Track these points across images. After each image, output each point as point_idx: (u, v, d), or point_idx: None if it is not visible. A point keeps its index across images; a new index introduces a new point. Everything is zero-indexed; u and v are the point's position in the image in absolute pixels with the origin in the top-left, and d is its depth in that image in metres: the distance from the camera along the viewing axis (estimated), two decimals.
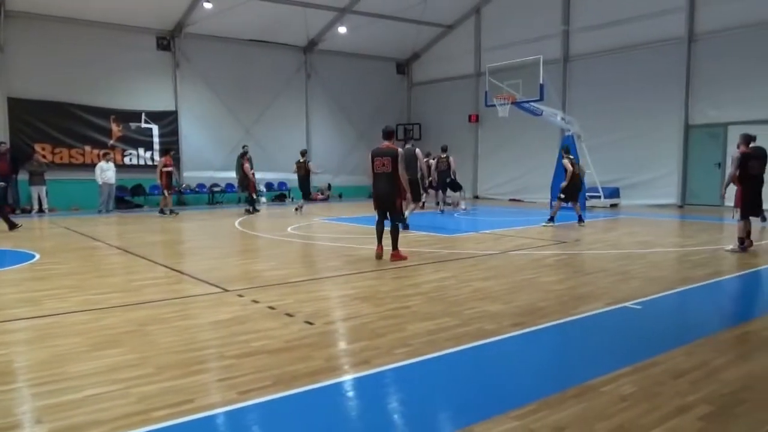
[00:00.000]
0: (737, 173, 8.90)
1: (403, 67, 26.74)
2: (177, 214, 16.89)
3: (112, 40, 19.49)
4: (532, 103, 17.02)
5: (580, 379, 3.79)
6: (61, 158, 18.93)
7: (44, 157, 18.59)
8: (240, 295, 6.36)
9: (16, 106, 18.22)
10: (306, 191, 18.03)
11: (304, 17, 21.15)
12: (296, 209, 17.57)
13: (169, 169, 17.25)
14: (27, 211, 17.95)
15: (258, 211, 18.04)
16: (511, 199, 21.66)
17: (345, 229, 13.24)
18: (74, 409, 3.39)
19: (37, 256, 9.32)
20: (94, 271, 8.28)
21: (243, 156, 18.61)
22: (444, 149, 17.22)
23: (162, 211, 16.99)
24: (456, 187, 17.18)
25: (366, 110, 25.24)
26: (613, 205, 18.24)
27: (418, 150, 13.22)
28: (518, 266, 8.10)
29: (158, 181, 17.56)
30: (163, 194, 17.24)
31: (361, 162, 23.28)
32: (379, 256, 8.64)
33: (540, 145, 20.52)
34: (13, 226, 12.73)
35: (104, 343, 4.66)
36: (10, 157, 17.51)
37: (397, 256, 8.52)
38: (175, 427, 3.18)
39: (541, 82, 16.73)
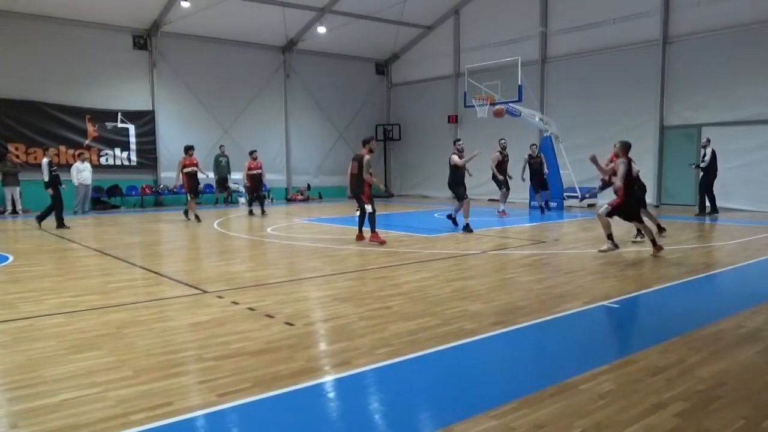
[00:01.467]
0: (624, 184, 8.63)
1: (382, 68, 26.76)
2: (199, 221, 14.86)
3: (88, 38, 19.22)
4: (510, 104, 17.15)
5: (559, 378, 3.83)
6: (36, 158, 18.55)
7: (18, 157, 18.25)
8: (219, 297, 6.31)
9: None
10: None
11: (283, 17, 21.07)
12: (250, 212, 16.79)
13: (190, 169, 15.17)
14: (0, 212, 17.62)
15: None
16: (490, 199, 21.79)
17: (325, 229, 13.20)
18: (50, 414, 3.34)
19: (11, 258, 9.15)
20: (70, 273, 8.15)
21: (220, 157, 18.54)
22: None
23: (186, 213, 15.62)
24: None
25: (346, 110, 25.24)
26: (590, 205, 18.45)
27: (453, 156, 12.00)
28: (498, 266, 8.16)
29: (177, 183, 16.08)
30: (187, 197, 15.68)
31: (340, 162, 23.34)
32: (358, 238, 10.58)
33: (519, 146, 20.70)
34: None
35: (81, 346, 4.59)
36: None
37: (374, 237, 10.20)
38: (154, 431, 3.15)
39: (519, 83, 16.88)
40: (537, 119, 17.94)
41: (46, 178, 13.45)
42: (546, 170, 16.12)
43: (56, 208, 13.64)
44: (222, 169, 18.68)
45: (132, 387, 3.73)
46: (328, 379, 3.92)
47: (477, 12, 22.80)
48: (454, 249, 9.74)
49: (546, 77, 20.81)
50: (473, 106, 18.07)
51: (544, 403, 3.45)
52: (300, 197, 23.47)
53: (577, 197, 18.19)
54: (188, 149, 15.25)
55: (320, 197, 24.30)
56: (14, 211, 17.65)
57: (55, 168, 13.71)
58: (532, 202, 17.05)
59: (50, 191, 13.48)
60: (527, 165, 16.07)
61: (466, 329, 4.99)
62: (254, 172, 16.60)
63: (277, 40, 23.03)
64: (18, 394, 3.67)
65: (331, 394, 3.74)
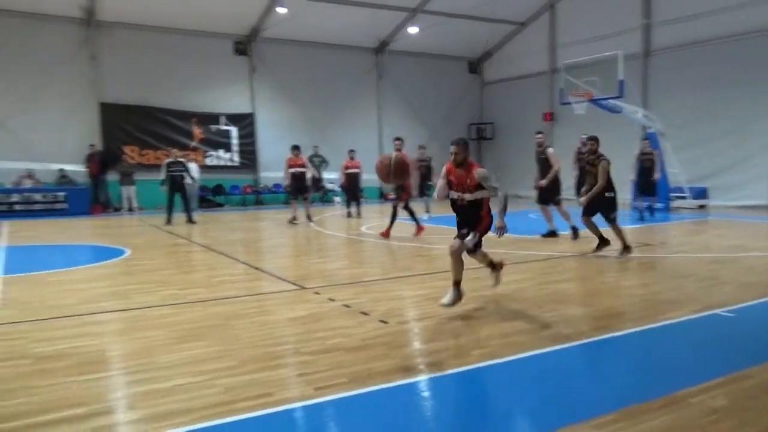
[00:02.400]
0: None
1: (475, 66, 26.48)
2: (295, 223, 14.28)
3: (193, 46, 20.40)
4: (610, 101, 16.41)
5: (666, 390, 3.62)
6: (148, 159, 19.92)
7: (132, 158, 19.67)
8: (317, 293, 6.49)
9: (107, 110, 19.37)
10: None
11: (376, 19, 21.32)
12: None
13: (296, 170, 14.42)
14: (118, 210, 19.04)
15: (359, 214, 16.18)
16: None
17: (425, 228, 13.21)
18: (163, 397, 3.56)
19: (128, 252, 9.86)
20: (179, 267, 8.67)
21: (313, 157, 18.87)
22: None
23: (308, 218, 14.66)
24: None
25: (438, 110, 25.18)
26: (701, 206, 17.33)
27: (551, 150, 10.97)
28: (598, 269, 7.84)
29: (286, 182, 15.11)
30: (289, 198, 15.05)
31: (433, 162, 23.20)
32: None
33: (619, 144, 19.77)
34: None
35: (189, 336, 4.86)
36: (99, 159, 18.75)
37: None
38: (256, 419, 3.29)
39: (620, 78, 16.11)
40: (640, 115, 17.06)
41: (162, 177, 14.53)
42: (657, 174, 14.26)
43: (168, 204, 14.62)
44: (316, 168, 19.17)
45: (236, 376, 3.91)
46: (423, 378, 3.92)
47: (574, 6, 22.02)
48: (551, 251, 9.45)
49: (649, 71, 19.76)
50: (570, 103, 17.45)
51: (650, 415, 3.27)
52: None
53: (684, 197, 17.12)
54: (294, 148, 14.68)
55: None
56: (130, 209, 19.02)
57: (174, 169, 14.64)
58: (633, 203, 16.19)
59: (163, 189, 14.53)
60: (638, 163, 14.41)
61: (564, 334, 4.83)
62: (351, 171, 16.30)
63: (369, 41, 23.36)
64: (135, 378, 3.95)
65: (426, 394, 3.74)
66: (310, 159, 19.19)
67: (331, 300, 6.13)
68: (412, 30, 21.90)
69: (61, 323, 5.38)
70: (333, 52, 22.89)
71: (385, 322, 5.22)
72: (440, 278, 7.37)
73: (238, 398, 3.53)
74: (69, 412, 3.35)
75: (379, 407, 3.50)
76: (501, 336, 4.77)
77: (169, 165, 14.64)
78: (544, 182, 10.62)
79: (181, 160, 15.19)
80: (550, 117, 23.07)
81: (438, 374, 3.96)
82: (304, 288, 6.79)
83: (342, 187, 17.46)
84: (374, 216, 16.56)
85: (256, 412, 3.35)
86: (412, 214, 11.69)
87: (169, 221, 14.36)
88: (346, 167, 16.39)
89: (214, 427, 3.18)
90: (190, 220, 14.68)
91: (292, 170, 14.42)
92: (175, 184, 14.56)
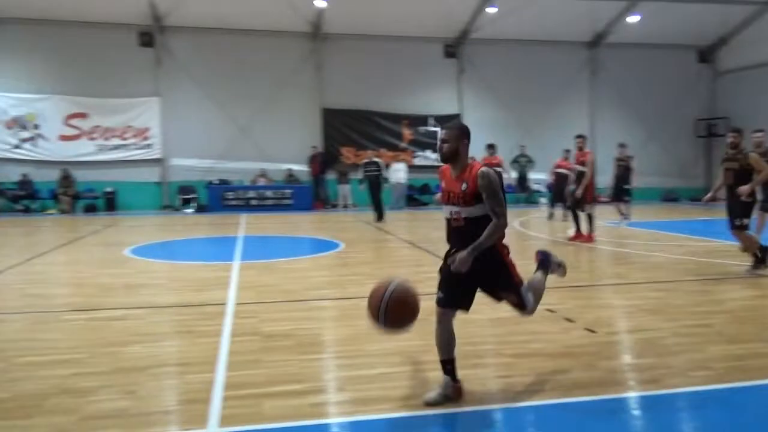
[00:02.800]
0: None
1: (706, 55, 23.73)
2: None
3: (406, 51, 21.27)
4: None
5: None
6: (362, 160, 21.26)
7: (348, 159, 21.23)
8: None
9: (328, 115, 21.16)
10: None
11: (591, 10, 20.21)
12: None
13: (561, 170, 13.95)
14: (334, 206, 20.71)
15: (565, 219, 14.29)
16: None
17: (633, 233, 12.29)
18: (368, 383, 3.78)
19: (342, 246, 10.64)
20: (387, 261, 9.14)
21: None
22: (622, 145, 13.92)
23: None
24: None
25: (658, 106, 23.06)
26: None
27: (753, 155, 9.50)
28: None
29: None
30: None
31: (652, 161, 21.33)
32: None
33: None
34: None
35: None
36: (320, 159, 20.60)
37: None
38: (453, 416, 3.33)
39: None
40: None
41: (360, 177, 15.55)
42: None
43: (373, 202, 15.48)
44: (522, 168, 18.77)
45: (437, 371, 3.99)
46: (633, 394, 3.63)
47: None
48: None
49: None
50: None
51: None
52: (603, 199, 22.24)
53: None
54: (489, 147, 14.42)
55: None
56: (345, 206, 20.55)
57: (369, 169, 15.52)
58: None
59: (362, 188, 15.50)
60: None
61: None
62: (561, 170, 14.85)
63: (583, 35, 22.23)
64: (346, 362, 4.25)
65: (636, 412, 3.46)
66: (516, 159, 18.90)
67: None
68: (632, 19, 20.35)
69: (287, 306, 5.99)
70: (543, 50, 22.21)
71: (592, 331, 4.94)
72: (657, 289, 6.77)
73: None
74: (289, 387, 3.71)
75: (583, 419, 3.32)
76: (731, 358, 4.22)
77: (365, 165, 15.58)
78: (746, 188, 7.28)
79: (376, 160, 15.93)
80: None
81: (652, 392, 3.63)
82: None
83: (549, 187, 16.84)
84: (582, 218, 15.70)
85: (454, 409, 3.39)
86: (576, 218, 11.05)
87: (379, 218, 15.14)
88: (558, 166, 15.34)
89: (413, 418, 3.29)
90: (379, 218, 15.10)
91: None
92: (371, 183, 15.39)
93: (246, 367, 4.07)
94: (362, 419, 3.30)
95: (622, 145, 13.91)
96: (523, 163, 18.78)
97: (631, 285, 6.97)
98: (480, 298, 3.74)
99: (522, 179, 18.82)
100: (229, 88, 20.25)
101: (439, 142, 3.70)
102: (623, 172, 13.63)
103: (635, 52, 22.79)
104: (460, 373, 3.62)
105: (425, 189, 21.97)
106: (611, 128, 23.01)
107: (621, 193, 13.88)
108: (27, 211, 18.76)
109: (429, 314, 5.51)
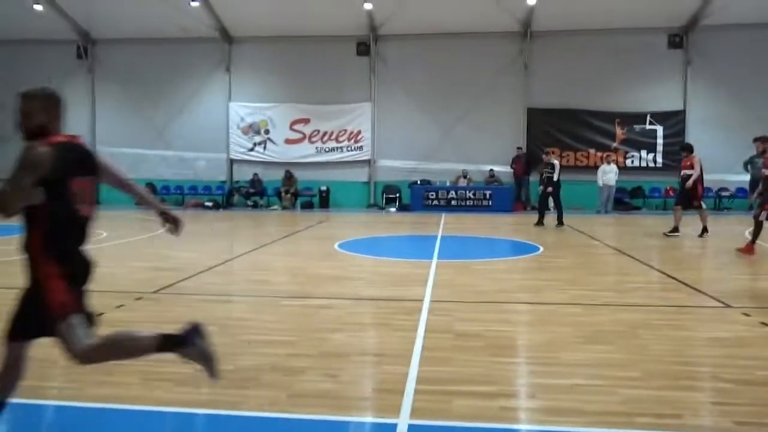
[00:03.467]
0: None
1: None
2: (705, 234, 12.01)
3: (623, 44, 19.86)
4: None
5: None
6: (567, 161, 20.42)
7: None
8: (745, 314, 5.59)
9: (532, 115, 20.64)
10: None
11: None
12: None
13: (688, 171, 12.25)
14: (535, 209, 20.11)
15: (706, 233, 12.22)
16: None
17: None
18: (562, 394, 3.61)
19: (541, 249, 10.32)
20: (590, 267, 8.64)
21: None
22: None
23: (703, 230, 12.16)
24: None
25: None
26: None
27: None
28: None
29: None
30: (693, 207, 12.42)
31: None
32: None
33: None
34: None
35: (594, 338, 4.80)
36: (525, 160, 20.17)
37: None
38: None
39: None
40: None
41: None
42: None
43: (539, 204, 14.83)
44: (756, 170, 16.36)
45: (640, 389, 3.68)
46: None
47: None
48: None
49: None
50: None
51: None
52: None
53: None
54: (683, 149, 12.88)
55: None
56: (547, 208, 19.82)
57: (544, 171, 14.72)
58: None
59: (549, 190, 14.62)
60: None
61: None
62: None
63: None
64: (538, 369, 4.12)
65: None
66: (751, 160, 16.49)
67: (765, 325, 5.19)
68: None
69: (481, 307, 5.98)
70: None
71: None
72: None
73: (639, 412, 3.32)
74: (479, 388, 3.70)
75: None
76: None
77: (544, 166, 14.88)
78: None
79: (553, 162, 14.76)
80: None
81: None
82: (729, 306, 5.93)
83: None
84: None
85: (656, 431, 3.10)
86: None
87: (541, 222, 14.37)
88: None
89: None
90: (560, 223, 14.21)
91: (686, 171, 12.35)
92: (544, 185, 14.63)
93: (438, 364, 4.15)
94: (552, 429, 3.17)
95: None
96: (759, 164, 16.28)
97: None
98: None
99: (754, 182, 16.33)
100: (435, 90, 20.83)
101: (20, 117, 2.78)
102: None
103: (739, 34, 19.17)
104: (667, 393, 3.28)
105: (638, 192, 20.36)
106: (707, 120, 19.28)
107: None
108: (255, 206, 21.21)
109: (632, 327, 5.13)
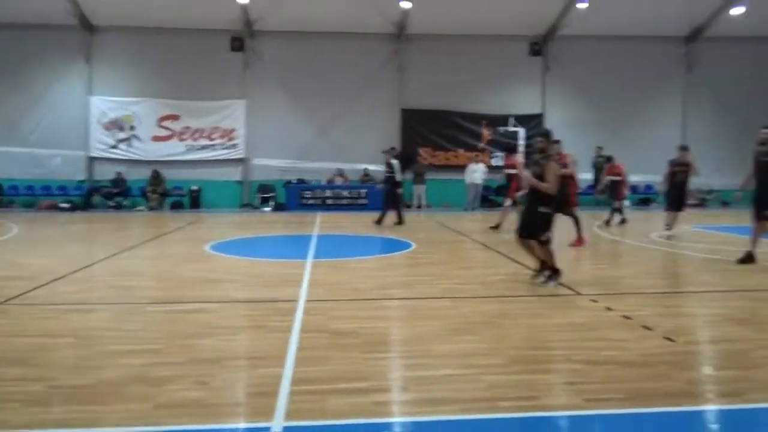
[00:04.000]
0: None
1: None
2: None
3: (489, 49, 21.02)
4: None
5: None
6: (439, 160, 21.29)
7: (425, 159, 21.21)
8: (593, 300, 6.14)
9: (407, 115, 21.24)
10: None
11: (689, 3, 19.09)
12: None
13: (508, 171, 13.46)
14: (408, 207, 20.72)
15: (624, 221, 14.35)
16: None
17: (724, 239, 11.58)
18: (432, 384, 3.75)
19: (413, 246, 10.64)
20: (458, 262, 9.05)
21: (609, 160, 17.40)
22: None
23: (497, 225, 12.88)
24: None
25: (759, 105, 21.55)
26: None
27: None
28: None
29: None
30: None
31: (747, 165, 20.02)
32: None
33: None
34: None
35: (461, 330, 5.04)
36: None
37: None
38: (517, 420, 3.26)
39: None
40: None
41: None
42: None
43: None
44: (599, 170, 18.07)
45: (503, 375, 3.92)
46: (714, 407, 3.43)
47: None
48: None
49: None
50: None
51: None
52: (692, 202, 21.06)
53: None
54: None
55: (727, 204, 21.36)
56: (419, 206, 20.53)
57: (389, 169, 14.30)
58: None
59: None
60: None
61: None
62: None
63: (680, 29, 21.11)
64: (411, 362, 4.25)
65: (715, 426, 3.26)
66: (594, 161, 18.15)
67: (609, 309, 5.73)
68: (737, 11, 19.07)
69: (356, 305, 6.06)
70: (635, 46, 21.21)
71: (671, 340, 4.69)
72: (746, 298, 6.35)
73: (502, 396, 3.54)
74: (354, 385, 3.75)
75: (656, 429, 3.16)
76: None
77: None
78: None
79: (392, 161, 14.41)
80: None
81: (733, 406, 3.41)
82: (579, 294, 6.48)
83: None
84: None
85: (518, 414, 3.32)
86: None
87: (381, 221, 14.35)
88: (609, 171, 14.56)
89: (477, 421, 3.25)
90: (399, 222, 14.33)
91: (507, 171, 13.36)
92: (389, 185, 14.32)
93: (313, 363, 4.15)
94: (425, 420, 3.29)
95: (683, 148, 12.00)
96: (600, 164, 18.04)
97: (716, 293, 6.58)
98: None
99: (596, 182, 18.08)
100: (310, 89, 20.73)
101: None
102: (683, 178, 11.68)
103: (738, 47, 21.40)
104: (526, 377, 3.53)
105: (502, 190, 21.59)
106: (705, 126, 21.78)
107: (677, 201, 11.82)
108: (119, 207, 19.95)
109: (495, 317, 5.45)
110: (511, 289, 6.81)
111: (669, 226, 11.72)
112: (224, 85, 20.69)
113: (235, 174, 21.12)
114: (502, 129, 21.56)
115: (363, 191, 20.30)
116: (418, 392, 3.64)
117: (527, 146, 21.43)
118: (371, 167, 21.03)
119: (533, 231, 6.77)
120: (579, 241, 10.36)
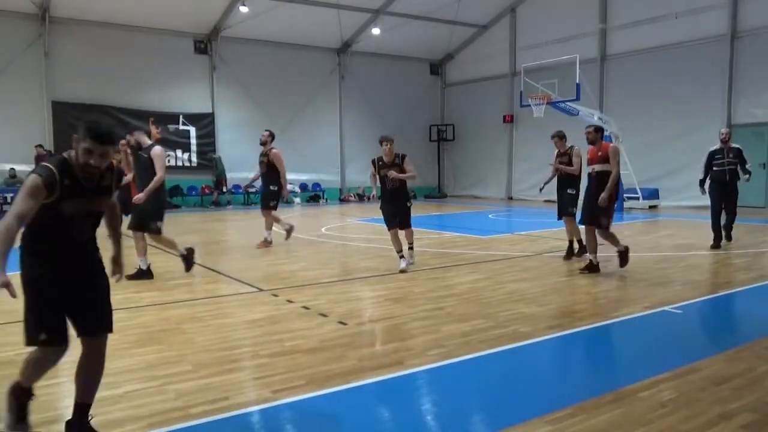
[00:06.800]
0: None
1: (436, 68, 26.66)
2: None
3: (152, 44, 19.94)
4: (567, 103, 16.78)
5: (617, 384, 3.72)
6: None
7: None
8: (274, 295, 6.43)
9: (59, 109, 18.78)
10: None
11: (339, 19, 21.28)
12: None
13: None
14: None
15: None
16: (546, 201, 21.37)
17: (378, 229, 13.23)
18: (114, 405, 3.47)
19: None
20: (130, 270, 8.44)
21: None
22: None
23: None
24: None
25: (399, 111, 25.23)
26: (651, 207, 17.85)
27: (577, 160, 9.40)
28: (553, 268, 7.99)
29: None
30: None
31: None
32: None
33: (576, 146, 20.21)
34: None
35: (142, 341, 4.76)
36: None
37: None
38: (211, 424, 3.24)
39: (577, 81, 16.49)
40: (596, 118, 17.48)
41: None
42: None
43: None
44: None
45: (191, 381, 3.84)
46: (380, 378, 3.93)
47: (534, 10, 22.39)
48: (508, 251, 9.60)
49: (605, 75, 20.25)
50: (529, 105, 17.78)
51: (601, 410, 3.35)
52: (353, 198, 23.63)
53: (637, 198, 17.63)
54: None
55: (369, 199, 24.35)
56: None
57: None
58: None
59: None
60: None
61: (521, 332, 4.91)
62: None
63: (333, 42, 23.30)
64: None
65: (383, 395, 3.75)
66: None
67: (289, 302, 6.08)
68: (375, 31, 21.94)
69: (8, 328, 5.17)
70: (295, 52, 22.70)
71: (344, 324, 5.21)
72: (400, 279, 7.41)
73: (192, 403, 3.47)
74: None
75: (336, 409, 3.49)
76: (459, 335, 4.82)
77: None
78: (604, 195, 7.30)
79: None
80: (510, 119, 23.40)
81: (395, 375, 3.97)
82: (261, 290, 6.72)
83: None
84: (333, 217, 16.49)
85: (211, 417, 3.30)
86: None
87: None
88: None
89: None
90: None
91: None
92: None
93: None
94: None
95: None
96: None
97: (378, 277, 7.51)
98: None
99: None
100: None
101: None
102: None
103: (378, 62, 24.62)
104: (216, 379, 3.51)
105: (176, 190, 20.84)
106: (359, 130, 24.52)
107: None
108: None
109: (179, 322, 5.29)
110: (192, 292, 6.68)
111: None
112: None
113: None
114: (172, 127, 20.76)
115: (9, 195, 17.34)
116: (97, 416, 3.30)
117: (198, 145, 21.19)
118: (21, 167, 18.06)
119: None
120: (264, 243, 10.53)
